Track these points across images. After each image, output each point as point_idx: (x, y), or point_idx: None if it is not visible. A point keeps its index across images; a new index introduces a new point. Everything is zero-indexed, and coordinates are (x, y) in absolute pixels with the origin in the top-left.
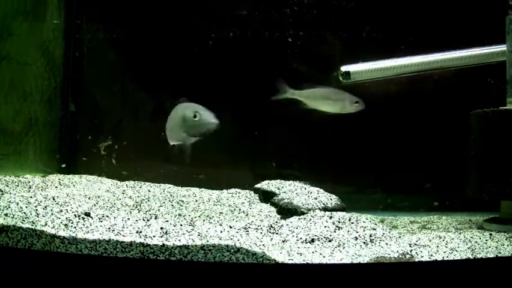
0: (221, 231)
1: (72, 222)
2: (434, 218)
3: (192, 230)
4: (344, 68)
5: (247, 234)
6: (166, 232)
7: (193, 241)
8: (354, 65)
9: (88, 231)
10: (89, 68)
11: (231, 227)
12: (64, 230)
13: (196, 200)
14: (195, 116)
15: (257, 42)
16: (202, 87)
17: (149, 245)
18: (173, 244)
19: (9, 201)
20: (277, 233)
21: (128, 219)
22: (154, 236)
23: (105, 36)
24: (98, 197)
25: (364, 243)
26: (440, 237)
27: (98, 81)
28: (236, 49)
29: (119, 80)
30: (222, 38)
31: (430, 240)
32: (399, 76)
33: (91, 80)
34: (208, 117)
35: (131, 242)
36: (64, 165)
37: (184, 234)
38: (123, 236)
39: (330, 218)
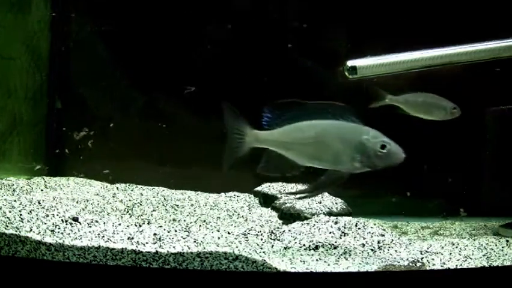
0: (218, 238)
1: (59, 228)
2: (447, 223)
3: (188, 236)
4: (350, 63)
5: (247, 240)
6: (159, 238)
7: (189, 248)
8: (361, 59)
9: (76, 238)
10: (77, 63)
11: (229, 233)
12: (50, 236)
13: (192, 204)
14: (382, 147)
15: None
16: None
17: (141, 252)
18: (168, 251)
19: None
20: (278, 240)
21: (119, 224)
22: (146, 243)
23: (93, 29)
24: (87, 201)
25: (372, 250)
26: (453, 244)
27: (87, 77)
28: (233, 48)
29: (108, 76)
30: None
31: (442, 247)
32: (410, 71)
33: (79, 76)
34: (398, 150)
35: (123, 249)
36: (38, 167)
37: (179, 240)
38: (114, 242)
39: (336, 223)
